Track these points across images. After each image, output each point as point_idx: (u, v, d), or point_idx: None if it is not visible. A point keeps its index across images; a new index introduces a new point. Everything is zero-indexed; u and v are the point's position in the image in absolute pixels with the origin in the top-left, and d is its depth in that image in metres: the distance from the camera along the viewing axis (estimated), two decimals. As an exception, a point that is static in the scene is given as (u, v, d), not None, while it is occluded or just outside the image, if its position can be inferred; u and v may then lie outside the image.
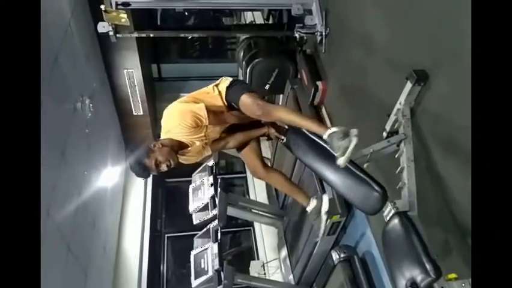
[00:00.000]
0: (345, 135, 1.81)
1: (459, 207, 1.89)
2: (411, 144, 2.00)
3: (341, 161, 1.79)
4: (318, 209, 2.42)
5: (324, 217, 2.42)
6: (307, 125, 2.04)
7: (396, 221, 1.68)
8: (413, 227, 1.62)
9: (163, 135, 2.14)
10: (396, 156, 2.04)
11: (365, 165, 2.02)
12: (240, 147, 2.44)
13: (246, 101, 2.09)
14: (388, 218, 1.73)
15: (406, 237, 1.61)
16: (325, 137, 1.89)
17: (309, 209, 2.45)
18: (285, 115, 2.07)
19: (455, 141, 1.89)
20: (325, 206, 2.40)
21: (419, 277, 1.50)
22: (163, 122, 2.16)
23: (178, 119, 2.06)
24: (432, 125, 2.07)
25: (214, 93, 2.21)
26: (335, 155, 1.82)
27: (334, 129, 1.85)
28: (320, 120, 2.03)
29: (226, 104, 2.20)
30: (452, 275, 1.54)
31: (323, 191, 2.93)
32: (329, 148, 2.00)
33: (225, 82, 2.23)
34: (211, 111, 2.11)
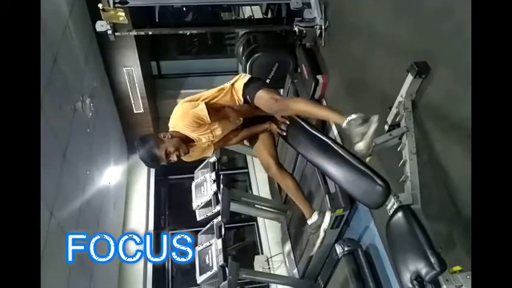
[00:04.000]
0: (364, 121, 1.78)
1: (462, 199, 1.88)
2: (413, 137, 1.99)
3: (360, 146, 1.74)
4: (318, 225, 2.40)
5: (322, 234, 2.40)
6: (325, 115, 2.02)
7: (399, 214, 1.68)
8: (416, 220, 1.62)
9: (171, 130, 2.17)
10: (398, 149, 2.03)
11: (367, 159, 2.02)
12: (252, 143, 2.43)
13: (263, 96, 2.09)
14: (391, 211, 1.72)
15: (410, 230, 1.61)
16: (344, 124, 1.86)
17: (309, 222, 2.44)
18: (304, 107, 2.04)
19: (457, 133, 1.89)
20: (325, 224, 2.39)
21: (423, 270, 1.50)
22: (171, 117, 2.19)
23: (179, 119, 2.10)
24: (434, 118, 2.06)
25: (228, 90, 2.21)
26: (353, 141, 1.79)
27: (353, 116, 1.82)
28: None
29: (242, 100, 2.20)
30: (457, 268, 1.54)
31: (326, 189, 2.92)
32: (330, 142, 2.00)
33: (242, 79, 2.22)
34: (212, 108, 2.12)
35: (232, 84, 2.21)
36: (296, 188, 2.46)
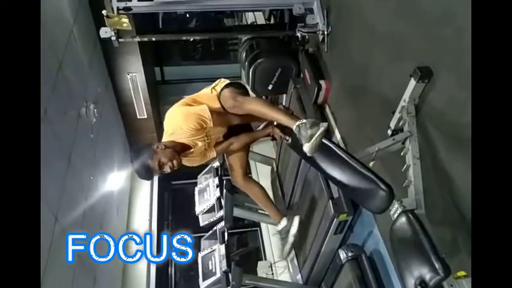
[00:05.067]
0: (313, 125, 1.82)
1: (466, 204, 1.87)
2: (417, 141, 1.99)
3: (306, 147, 1.79)
4: (287, 230, 2.42)
5: (291, 239, 2.42)
6: (277, 117, 2.05)
7: (403, 219, 1.67)
8: (420, 225, 1.61)
9: (166, 138, 2.15)
10: (401, 154, 2.03)
11: (370, 164, 2.02)
12: (228, 152, 2.44)
13: (225, 94, 2.15)
14: (395, 216, 1.72)
15: (414, 235, 1.60)
16: (294, 127, 1.88)
17: (279, 227, 2.46)
18: (255, 107, 2.07)
19: (460, 137, 1.88)
20: (294, 229, 2.40)
21: (427, 276, 1.49)
22: (165, 124, 2.17)
23: (182, 122, 2.07)
24: (437, 122, 2.06)
25: (212, 94, 2.22)
26: (302, 143, 1.82)
27: (303, 120, 1.86)
28: (292, 114, 2.06)
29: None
30: (461, 273, 1.53)
31: (329, 194, 2.92)
32: (333, 147, 2.00)
33: (221, 84, 2.24)
34: (215, 112, 2.13)
35: (214, 88, 2.24)
36: (264, 195, 2.51)
